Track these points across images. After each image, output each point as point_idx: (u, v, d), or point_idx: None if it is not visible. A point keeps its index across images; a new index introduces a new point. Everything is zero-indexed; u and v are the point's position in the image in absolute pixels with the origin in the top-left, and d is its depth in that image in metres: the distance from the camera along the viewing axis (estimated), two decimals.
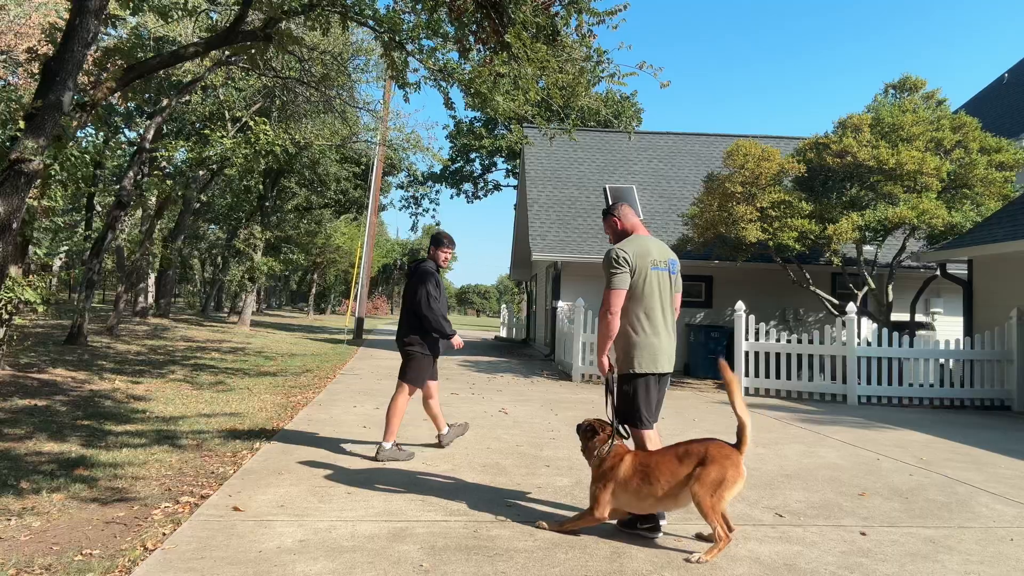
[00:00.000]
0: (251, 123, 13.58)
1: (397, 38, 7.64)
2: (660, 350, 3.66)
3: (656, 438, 3.70)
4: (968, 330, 10.88)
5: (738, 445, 3.29)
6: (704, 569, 3.11)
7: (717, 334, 12.73)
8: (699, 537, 3.52)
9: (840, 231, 10.63)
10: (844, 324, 9.91)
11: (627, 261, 3.66)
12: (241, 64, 12.24)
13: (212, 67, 12.59)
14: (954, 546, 3.57)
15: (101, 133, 17.92)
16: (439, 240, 5.37)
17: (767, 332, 10.33)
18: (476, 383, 10.25)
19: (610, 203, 15.95)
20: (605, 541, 3.44)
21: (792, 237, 10.92)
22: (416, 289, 5.10)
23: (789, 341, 10.19)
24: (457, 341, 5.27)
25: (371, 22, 7.68)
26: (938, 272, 11.83)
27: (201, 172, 17.79)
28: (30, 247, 9.33)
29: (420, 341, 5.13)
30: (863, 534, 3.71)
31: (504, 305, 30.08)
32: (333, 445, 5.41)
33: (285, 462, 4.79)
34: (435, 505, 3.95)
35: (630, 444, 3.68)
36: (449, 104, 8.40)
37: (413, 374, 5.13)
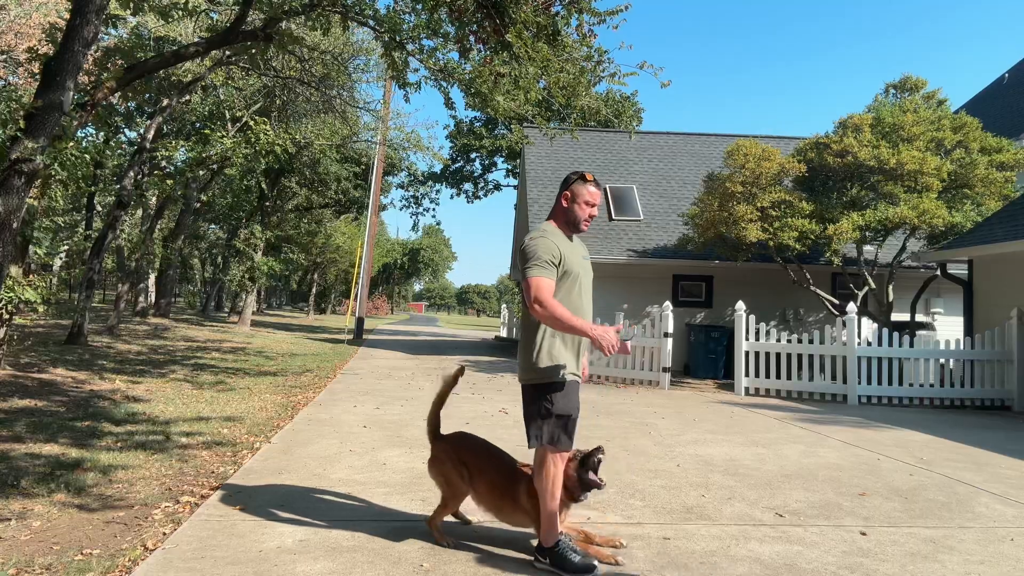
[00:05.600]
0: (251, 123, 13.58)
1: (397, 38, 7.64)
2: None
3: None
4: (968, 330, 10.88)
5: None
6: (705, 569, 3.11)
7: (717, 334, 12.72)
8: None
9: (840, 231, 10.63)
10: (844, 324, 9.91)
11: None
12: (241, 64, 12.25)
13: (212, 67, 12.59)
14: (954, 546, 3.57)
15: (101, 133, 17.91)
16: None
17: (767, 332, 10.32)
18: (476, 383, 10.24)
19: (610, 203, 15.96)
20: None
21: (792, 237, 10.91)
22: None
23: (789, 341, 10.19)
24: None
25: (371, 22, 7.69)
26: (938, 272, 11.82)
27: (201, 172, 17.78)
28: (30, 247, 9.33)
29: None
30: (863, 534, 3.71)
31: (504, 305, 30.07)
32: (333, 445, 5.41)
33: (285, 462, 4.79)
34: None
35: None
36: (449, 104, 8.41)
37: None
